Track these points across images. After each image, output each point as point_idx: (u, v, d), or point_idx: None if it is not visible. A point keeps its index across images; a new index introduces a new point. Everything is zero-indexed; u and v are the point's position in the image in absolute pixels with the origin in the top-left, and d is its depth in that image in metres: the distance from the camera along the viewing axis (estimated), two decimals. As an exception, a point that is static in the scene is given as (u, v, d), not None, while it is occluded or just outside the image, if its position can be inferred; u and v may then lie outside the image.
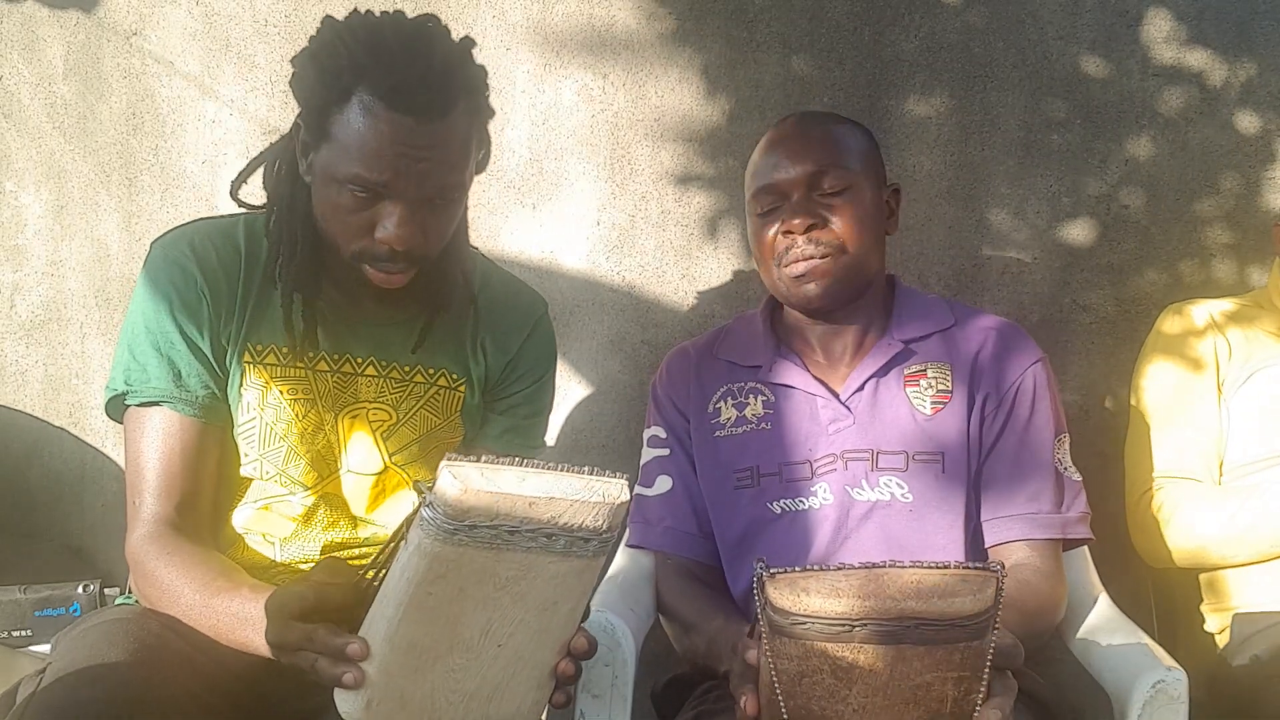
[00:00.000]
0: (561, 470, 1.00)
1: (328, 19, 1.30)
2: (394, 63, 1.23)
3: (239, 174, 1.38)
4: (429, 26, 1.29)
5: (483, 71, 1.32)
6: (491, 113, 1.35)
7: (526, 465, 0.99)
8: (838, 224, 1.48)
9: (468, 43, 1.31)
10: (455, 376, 1.44)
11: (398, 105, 1.22)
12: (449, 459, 0.96)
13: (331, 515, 1.40)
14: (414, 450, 1.42)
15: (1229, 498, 1.62)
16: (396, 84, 1.22)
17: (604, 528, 1.00)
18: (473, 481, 0.95)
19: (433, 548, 0.96)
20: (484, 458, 0.98)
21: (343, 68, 1.24)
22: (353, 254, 1.29)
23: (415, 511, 0.97)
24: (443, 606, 0.99)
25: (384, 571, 1.02)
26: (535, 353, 1.50)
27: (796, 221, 1.48)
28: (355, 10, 1.30)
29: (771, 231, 1.51)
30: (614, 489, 1.01)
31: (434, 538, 0.95)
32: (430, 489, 0.96)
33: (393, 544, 1.01)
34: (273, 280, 1.35)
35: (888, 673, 1.00)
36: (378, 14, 1.29)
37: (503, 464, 0.99)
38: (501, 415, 1.50)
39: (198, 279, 1.33)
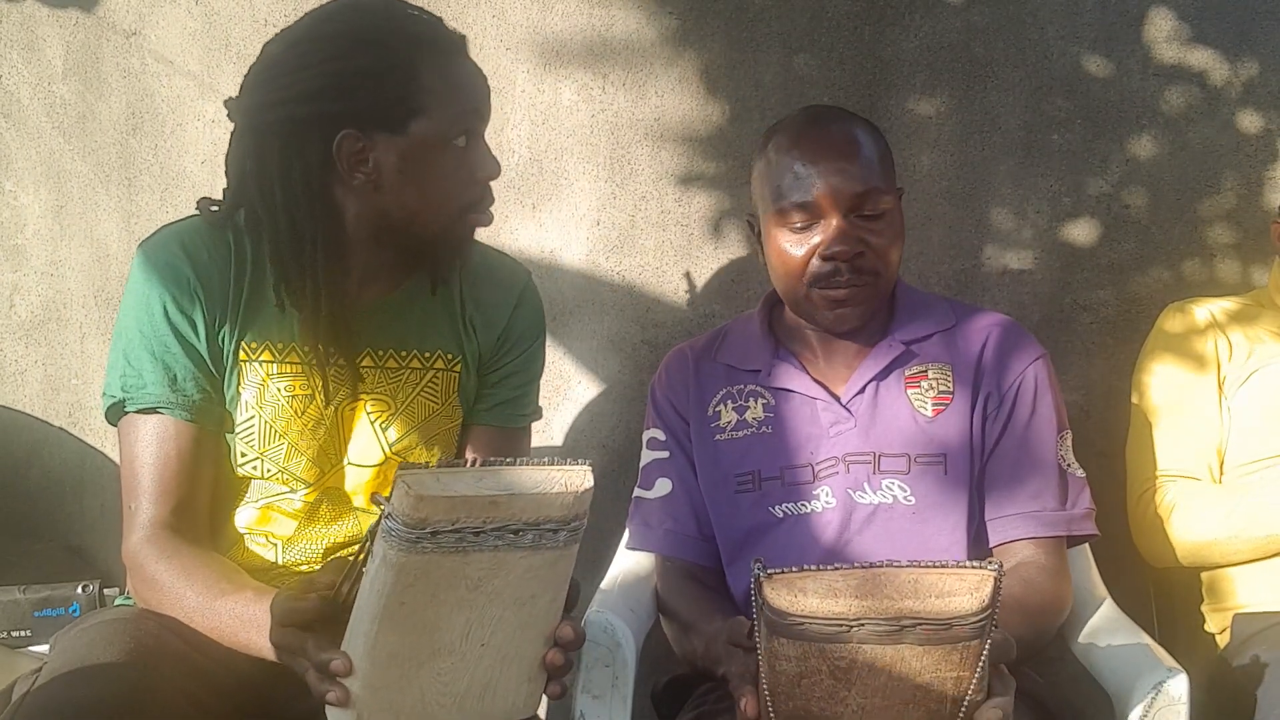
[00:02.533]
0: (521, 465, 0.99)
1: (277, 42, 1.32)
2: (421, 19, 1.32)
3: (219, 202, 1.39)
4: None
5: None
6: None
7: (485, 465, 0.98)
8: (877, 249, 1.45)
9: None
10: (451, 357, 1.43)
11: (456, 48, 1.34)
12: (403, 469, 0.96)
13: (334, 510, 1.40)
14: (414, 438, 1.41)
15: (1228, 495, 1.61)
16: (440, 34, 1.32)
17: (570, 517, 1.00)
18: (428, 489, 0.94)
19: (398, 558, 0.95)
20: (441, 462, 0.98)
21: (390, 52, 1.28)
22: (460, 211, 1.35)
23: (377, 523, 0.97)
24: (418, 614, 0.99)
25: (358, 584, 1.01)
26: (525, 322, 1.49)
27: (842, 249, 1.42)
28: (289, 26, 1.33)
29: (804, 250, 1.45)
30: (577, 477, 1.00)
31: (398, 549, 0.95)
32: (388, 500, 0.95)
33: (361, 557, 1.01)
34: (264, 278, 1.34)
35: (886, 673, 0.99)
36: (323, 8, 1.33)
37: (459, 468, 0.98)
38: (494, 388, 1.49)
39: (190, 278, 1.31)
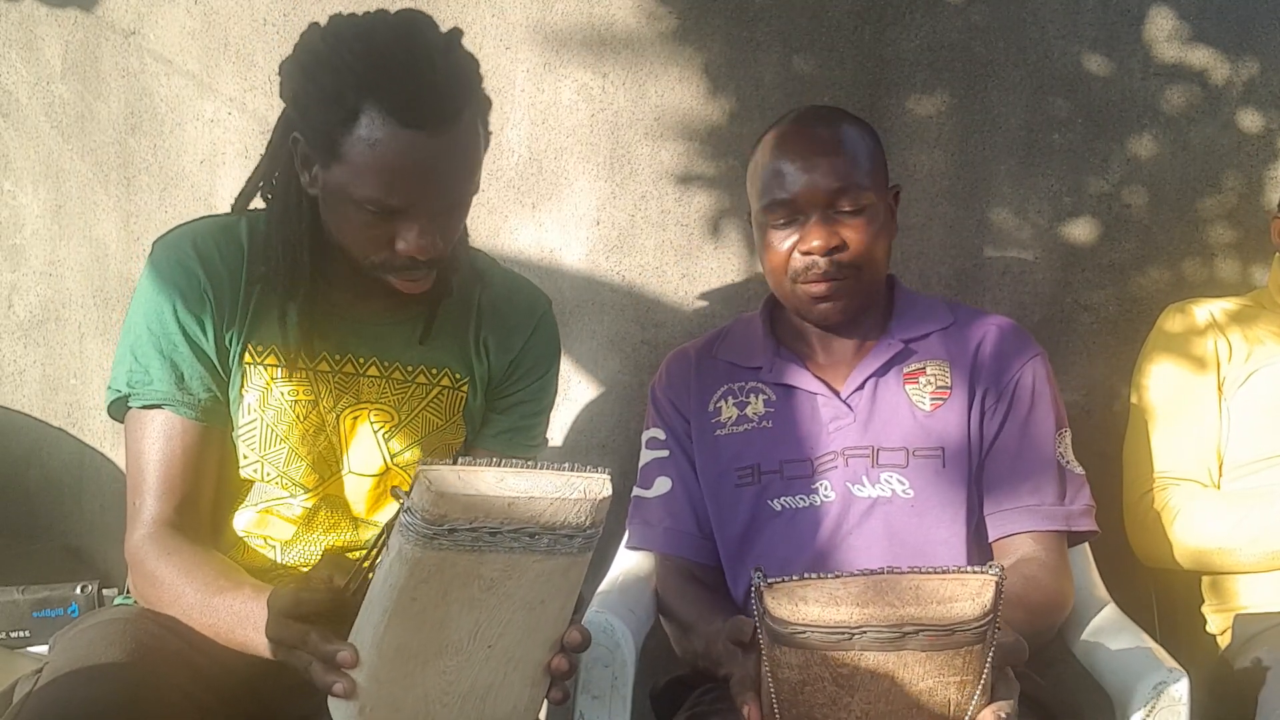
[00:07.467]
0: (542, 468, 0.99)
1: (313, 26, 1.26)
2: (400, 74, 1.18)
3: (242, 194, 1.37)
4: (420, 25, 1.24)
5: (475, 62, 1.28)
6: (489, 103, 1.30)
7: (505, 466, 0.98)
8: (856, 244, 1.46)
9: (456, 34, 1.26)
10: (458, 376, 1.43)
11: (410, 121, 1.18)
12: (425, 464, 0.96)
13: (332, 517, 1.40)
14: (416, 451, 1.41)
15: (1234, 506, 1.61)
16: (407, 98, 1.18)
17: (587, 524, 1.00)
18: (449, 485, 0.94)
19: (413, 553, 0.95)
20: (460, 460, 0.98)
21: (346, 84, 1.19)
22: (372, 265, 1.28)
23: (395, 517, 0.97)
24: (428, 611, 0.99)
25: (370, 577, 1.01)
26: (539, 351, 1.49)
27: (817, 244, 1.45)
28: (338, 14, 1.26)
29: (786, 246, 1.48)
30: (595, 484, 1.00)
31: (414, 543, 0.95)
32: (408, 494, 0.95)
33: (376, 550, 1.01)
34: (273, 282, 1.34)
35: (889, 679, 0.99)
36: (363, 16, 1.25)
37: (480, 466, 0.98)
38: (503, 414, 1.49)
39: (201, 279, 1.32)
